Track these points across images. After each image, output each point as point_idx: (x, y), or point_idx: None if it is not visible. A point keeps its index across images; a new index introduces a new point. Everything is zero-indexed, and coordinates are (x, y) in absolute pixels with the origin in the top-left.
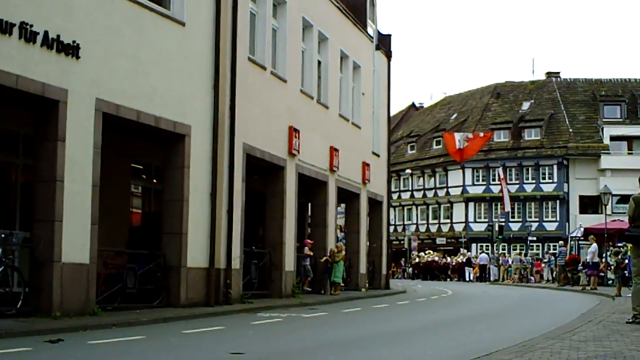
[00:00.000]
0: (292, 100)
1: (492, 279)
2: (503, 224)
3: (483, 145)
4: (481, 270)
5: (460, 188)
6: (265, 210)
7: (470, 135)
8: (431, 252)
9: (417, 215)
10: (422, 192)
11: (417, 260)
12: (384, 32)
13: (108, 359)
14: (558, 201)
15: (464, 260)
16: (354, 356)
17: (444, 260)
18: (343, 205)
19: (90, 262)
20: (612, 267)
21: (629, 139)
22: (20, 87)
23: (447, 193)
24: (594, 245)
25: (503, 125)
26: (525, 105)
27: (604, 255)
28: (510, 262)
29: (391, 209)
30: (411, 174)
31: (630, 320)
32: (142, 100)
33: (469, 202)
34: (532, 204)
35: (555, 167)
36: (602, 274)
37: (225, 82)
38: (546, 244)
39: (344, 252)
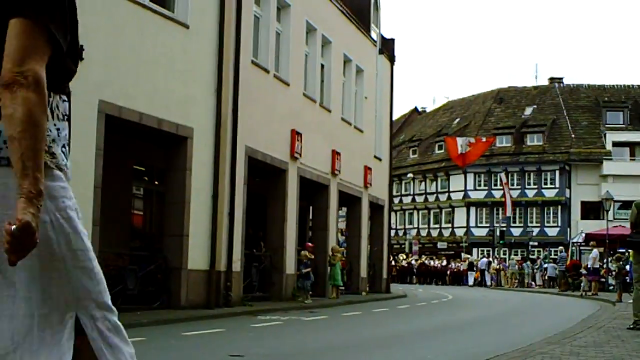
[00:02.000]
0: (294, 103)
1: (487, 283)
2: (504, 229)
3: (485, 150)
4: (482, 275)
5: (462, 193)
6: (267, 213)
7: (473, 140)
8: (405, 255)
9: (418, 219)
10: (424, 196)
11: (393, 263)
12: (387, 36)
13: None
14: (560, 206)
15: (466, 264)
16: None
17: (432, 264)
18: (344, 209)
19: None
20: (614, 273)
21: (632, 145)
22: None
23: (449, 198)
24: (595, 250)
25: (505, 130)
26: (528, 111)
27: (605, 261)
28: (507, 267)
29: (392, 213)
30: (413, 178)
31: (631, 326)
32: (145, 102)
33: (470, 206)
34: (534, 209)
35: (557, 172)
36: (603, 279)
37: (228, 84)
38: (547, 249)
39: (340, 254)
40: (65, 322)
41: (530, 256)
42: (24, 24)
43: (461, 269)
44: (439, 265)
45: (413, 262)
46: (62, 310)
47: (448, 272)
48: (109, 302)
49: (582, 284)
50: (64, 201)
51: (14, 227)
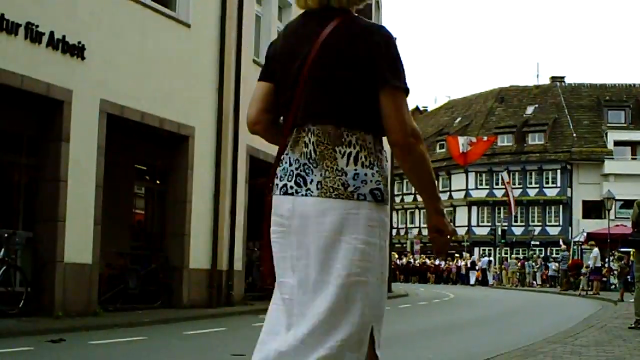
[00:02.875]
0: None
1: (489, 282)
2: (506, 228)
3: (486, 150)
4: (483, 274)
5: (464, 192)
6: None
7: (474, 139)
8: (396, 254)
9: (419, 218)
10: None
11: None
12: None
13: None
14: (561, 206)
15: (468, 263)
16: None
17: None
18: None
19: (93, 263)
20: (616, 272)
21: (633, 144)
22: (25, 88)
23: (450, 197)
24: (596, 249)
25: (507, 129)
26: (530, 110)
27: (606, 260)
28: (508, 266)
29: (394, 212)
30: None
31: (633, 326)
32: (147, 102)
33: (472, 205)
34: (535, 208)
35: (558, 171)
36: (604, 278)
37: (230, 83)
38: (549, 249)
39: None
40: (358, 330)
41: (538, 254)
42: (397, 95)
43: (452, 269)
44: (431, 264)
45: (411, 260)
46: (360, 320)
47: (439, 272)
48: (381, 326)
49: (581, 283)
50: (386, 234)
51: (448, 237)
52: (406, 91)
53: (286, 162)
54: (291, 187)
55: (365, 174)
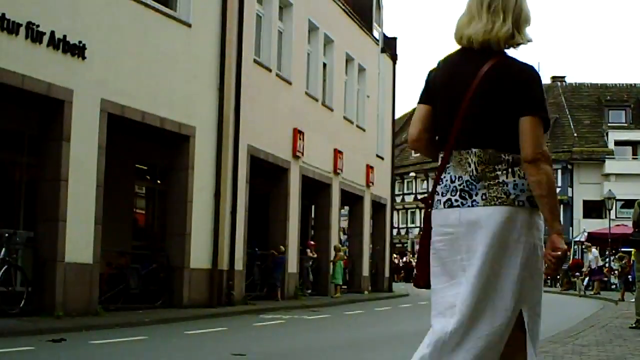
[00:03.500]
0: (297, 102)
1: None
2: None
3: None
4: None
5: None
6: (269, 212)
7: None
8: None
9: (420, 218)
10: (426, 195)
11: None
12: (389, 35)
13: (110, 359)
14: (562, 205)
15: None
16: (356, 359)
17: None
18: (347, 207)
19: (94, 262)
20: (616, 272)
21: (634, 144)
22: (26, 87)
23: None
24: (594, 250)
25: None
26: None
27: (606, 260)
28: None
29: (395, 212)
30: (415, 177)
31: (634, 325)
32: (147, 101)
33: None
34: None
35: (559, 171)
36: (605, 278)
37: (231, 83)
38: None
39: (342, 252)
40: (513, 314)
41: None
42: (535, 120)
43: None
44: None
45: (411, 260)
46: (516, 306)
47: None
48: (540, 311)
49: (577, 284)
50: (541, 233)
51: (559, 252)
52: (543, 119)
53: (448, 180)
54: (456, 201)
55: (522, 184)
